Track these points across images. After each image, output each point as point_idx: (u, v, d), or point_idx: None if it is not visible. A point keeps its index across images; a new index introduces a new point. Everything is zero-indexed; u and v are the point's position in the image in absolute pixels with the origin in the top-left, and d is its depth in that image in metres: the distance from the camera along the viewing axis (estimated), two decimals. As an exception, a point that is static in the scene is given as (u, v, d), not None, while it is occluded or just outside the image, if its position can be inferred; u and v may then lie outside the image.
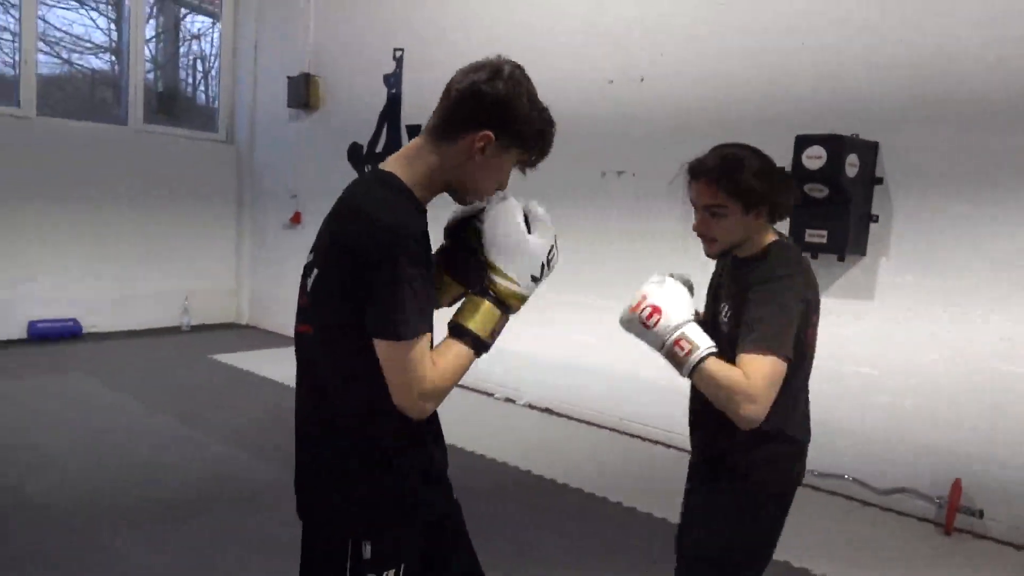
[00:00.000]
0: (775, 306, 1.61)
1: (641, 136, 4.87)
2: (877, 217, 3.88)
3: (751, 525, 1.76)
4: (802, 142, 3.76)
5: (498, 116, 1.39)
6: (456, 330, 1.42)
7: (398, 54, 6.40)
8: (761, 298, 1.63)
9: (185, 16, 8.63)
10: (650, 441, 4.77)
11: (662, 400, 4.55)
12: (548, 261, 1.48)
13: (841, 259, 3.94)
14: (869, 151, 3.84)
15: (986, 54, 3.55)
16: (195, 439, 4.35)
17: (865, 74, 3.92)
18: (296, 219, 7.46)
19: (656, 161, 4.77)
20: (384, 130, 6.58)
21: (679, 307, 1.64)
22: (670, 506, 3.46)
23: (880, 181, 3.87)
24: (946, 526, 3.52)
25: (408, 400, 1.34)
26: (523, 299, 1.47)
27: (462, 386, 5.83)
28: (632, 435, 4.88)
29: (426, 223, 1.39)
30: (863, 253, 3.91)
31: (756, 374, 1.54)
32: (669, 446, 4.60)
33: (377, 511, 1.43)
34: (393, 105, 6.49)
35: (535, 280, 1.47)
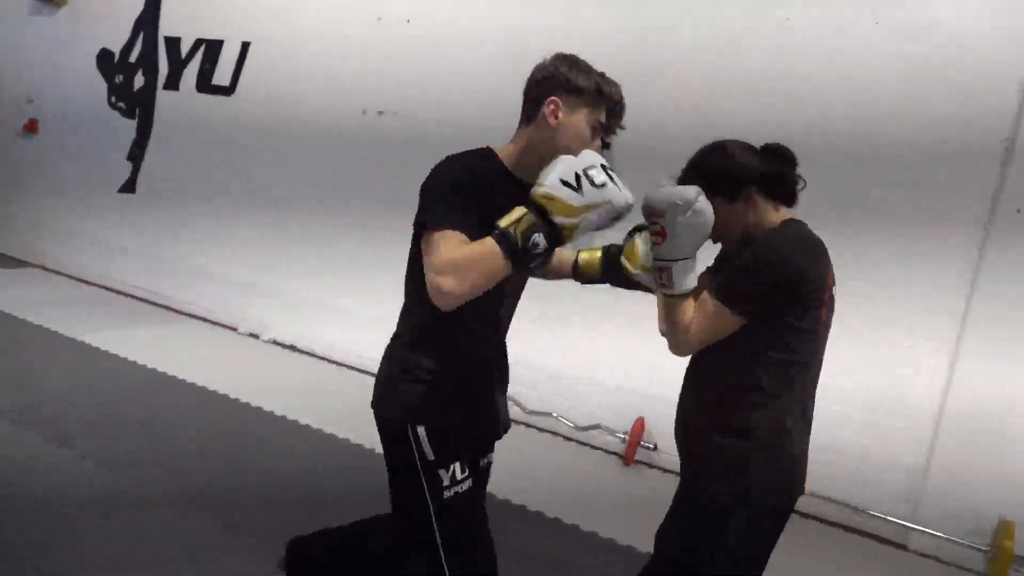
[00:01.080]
0: (745, 267, 1.60)
1: (408, 76, 4.88)
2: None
3: (716, 536, 1.62)
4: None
5: (559, 84, 1.64)
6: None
7: (159, -43, 5.89)
8: (741, 259, 1.63)
9: None
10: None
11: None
12: (585, 171, 1.49)
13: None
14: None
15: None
16: None
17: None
18: (32, 127, 6.66)
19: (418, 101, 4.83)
20: (140, 39, 6.03)
21: (684, 241, 1.59)
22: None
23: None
24: (626, 458, 3.94)
25: (429, 280, 1.49)
26: (549, 197, 1.48)
27: (207, 320, 5.60)
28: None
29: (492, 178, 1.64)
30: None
31: (704, 310, 1.61)
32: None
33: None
34: (151, 12, 5.96)
35: (565, 184, 1.48)
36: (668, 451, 3.93)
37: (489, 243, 1.47)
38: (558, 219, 1.47)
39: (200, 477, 3.02)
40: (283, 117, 5.36)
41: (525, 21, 4.47)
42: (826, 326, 1.66)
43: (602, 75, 1.68)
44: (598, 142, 1.68)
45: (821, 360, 1.69)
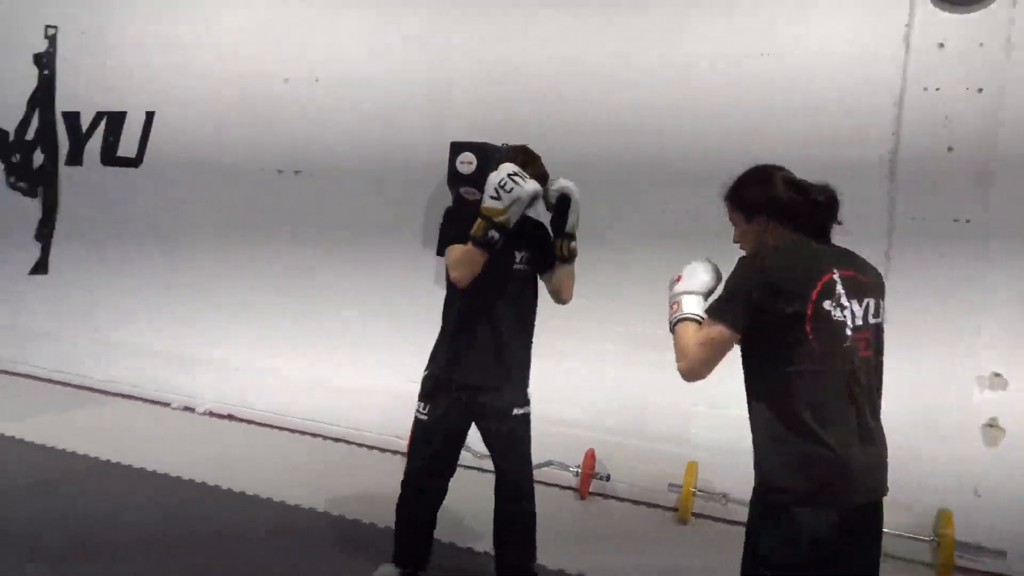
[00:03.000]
0: (728, 282, 1.81)
1: (315, 134, 4.89)
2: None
3: (775, 534, 1.74)
4: (456, 148, 4.05)
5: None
6: None
7: (50, 32, 5.71)
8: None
9: None
10: (333, 440, 4.80)
11: (346, 400, 4.65)
12: (499, 183, 2.36)
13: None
14: (517, 159, 4.25)
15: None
16: None
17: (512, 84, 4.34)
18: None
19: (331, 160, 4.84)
20: (35, 116, 5.83)
21: (693, 278, 1.93)
22: (342, 500, 3.53)
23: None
24: (581, 491, 4.02)
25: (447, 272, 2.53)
26: (486, 208, 2.39)
27: (136, 397, 5.40)
28: (314, 435, 4.87)
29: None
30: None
31: (695, 335, 1.80)
32: (351, 443, 4.68)
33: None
34: (46, 88, 5.78)
35: (492, 197, 2.37)
36: (621, 480, 4.03)
37: (469, 245, 2.43)
38: (497, 219, 2.39)
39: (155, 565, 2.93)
40: (195, 184, 5.28)
41: (440, 70, 4.56)
42: (828, 333, 1.70)
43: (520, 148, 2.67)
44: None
45: (849, 366, 1.72)
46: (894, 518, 3.48)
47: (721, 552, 2.74)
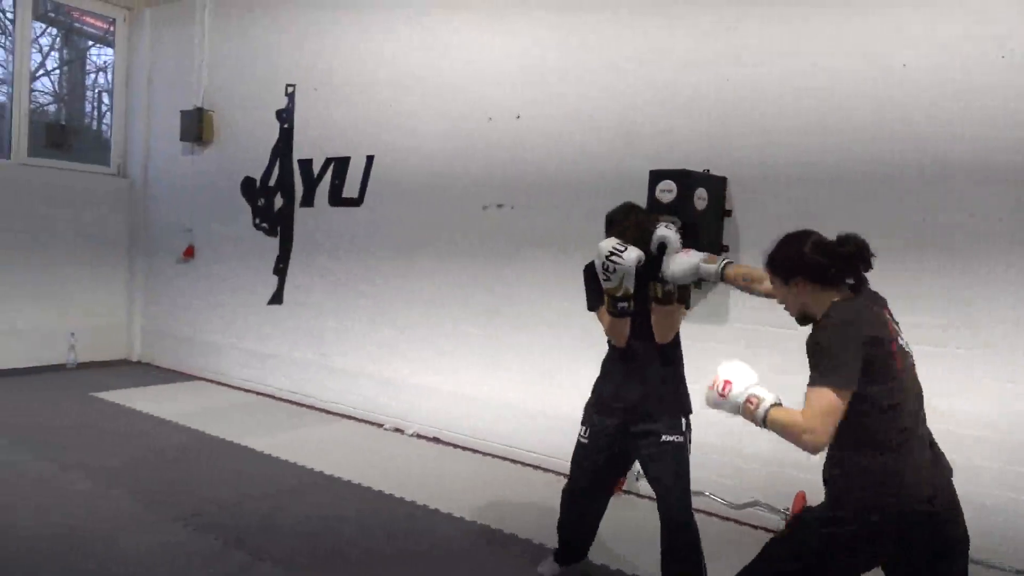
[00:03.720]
0: (819, 347, 1.96)
1: (518, 170, 5.07)
2: (728, 247, 4.15)
3: (823, 538, 2.00)
4: (655, 176, 4.00)
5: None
6: None
7: (289, 90, 6.47)
8: (809, 347, 1.99)
9: (91, 47, 8.50)
10: (531, 467, 4.88)
11: (541, 427, 4.74)
12: (604, 268, 2.60)
13: (697, 286, 4.18)
14: (718, 185, 4.12)
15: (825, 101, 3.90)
16: (57, 477, 4.21)
17: (717, 112, 4.22)
18: (189, 253, 7.35)
19: (531, 194, 5.00)
20: (276, 165, 6.60)
21: (744, 376, 2.06)
22: (540, 527, 3.58)
23: (729, 213, 4.16)
24: (791, 536, 3.74)
25: None
26: (607, 288, 2.67)
27: (354, 418, 5.86)
28: (513, 460, 4.98)
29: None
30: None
31: (810, 406, 1.91)
32: (547, 470, 4.73)
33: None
34: (285, 140, 6.53)
35: (604, 278, 2.64)
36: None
37: (604, 311, 2.79)
38: (616, 295, 2.65)
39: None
40: (408, 220, 5.67)
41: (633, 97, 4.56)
42: (907, 365, 2.05)
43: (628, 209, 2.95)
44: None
45: (917, 389, 2.09)
46: None
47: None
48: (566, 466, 3.14)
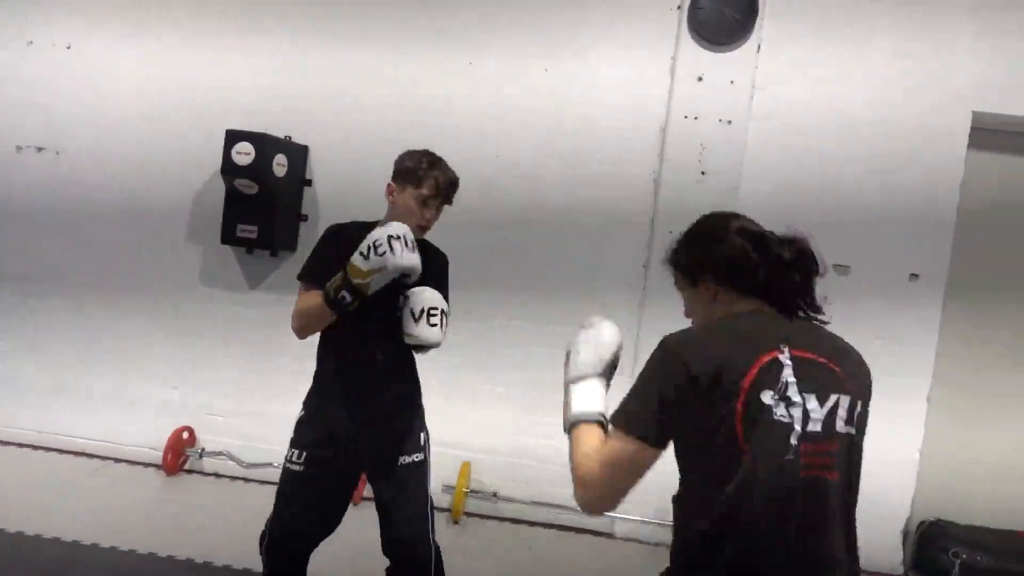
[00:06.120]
0: (640, 376, 1.31)
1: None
2: (307, 216, 4.12)
3: None
4: (232, 137, 3.77)
5: (394, 170, 2.26)
6: None
7: None
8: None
9: None
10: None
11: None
12: (374, 243, 1.98)
13: (274, 254, 4.09)
14: (299, 153, 4.05)
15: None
16: None
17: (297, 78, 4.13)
18: None
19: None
20: None
21: (587, 355, 1.44)
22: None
23: (309, 183, 4.13)
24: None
25: None
26: (350, 263, 2.01)
27: None
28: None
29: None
30: (293, 249, 4.12)
31: (599, 453, 1.29)
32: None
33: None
34: None
35: (362, 253, 2.00)
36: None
37: (317, 296, 2.09)
38: (355, 280, 2.01)
39: None
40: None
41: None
42: (765, 438, 1.22)
43: (422, 154, 2.23)
44: (427, 211, 2.21)
45: (789, 490, 1.23)
46: (646, 506, 3.83)
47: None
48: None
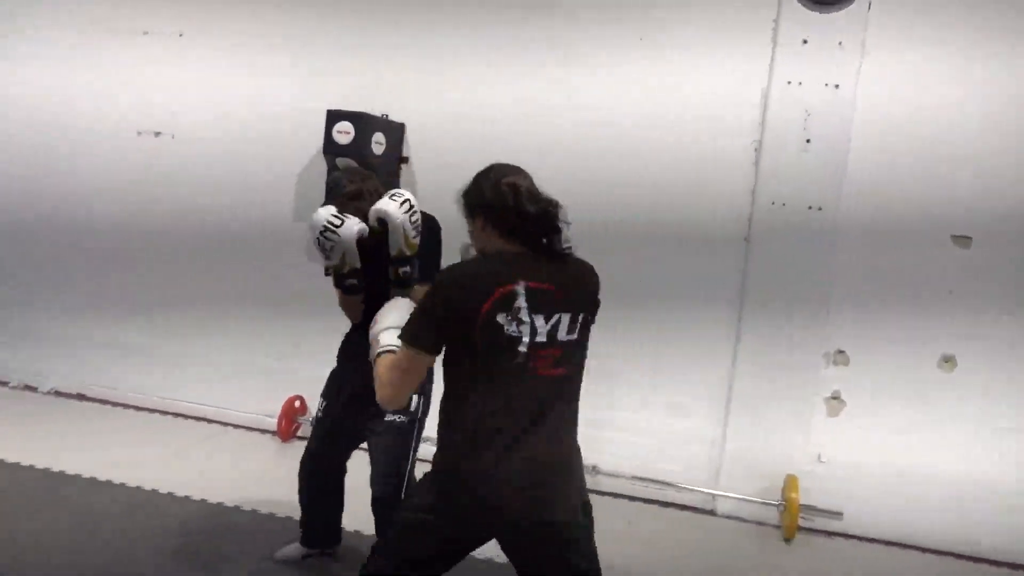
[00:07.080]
0: (420, 305, 1.74)
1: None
2: (404, 192, 4.21)
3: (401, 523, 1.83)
4: (332, 117, 3.89)
5: None
6: None
7: None
8: None
9: None
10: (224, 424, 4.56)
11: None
12: (319, 244, 2.34)
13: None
14: (396, 131, 4.14)
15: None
16: None
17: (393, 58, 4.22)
18: None
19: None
20: None
21: (389, 317, 1.87)
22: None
23: (406, 160, 4.21)
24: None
25: None
26: (326, 266, 2.45)
27: None
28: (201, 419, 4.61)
29: None
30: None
31: (393, 362, 1.75)
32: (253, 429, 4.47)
33: None
34: None
35: (323, 256, 2.39)
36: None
37: (339, 293, 2.52)
38: (341, 272, 2.41)
39: None
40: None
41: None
42: (497, 347, 1.65)
43: None
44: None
45: (518, 385, 1.69)
46: (749, 485, 3.78)
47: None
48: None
